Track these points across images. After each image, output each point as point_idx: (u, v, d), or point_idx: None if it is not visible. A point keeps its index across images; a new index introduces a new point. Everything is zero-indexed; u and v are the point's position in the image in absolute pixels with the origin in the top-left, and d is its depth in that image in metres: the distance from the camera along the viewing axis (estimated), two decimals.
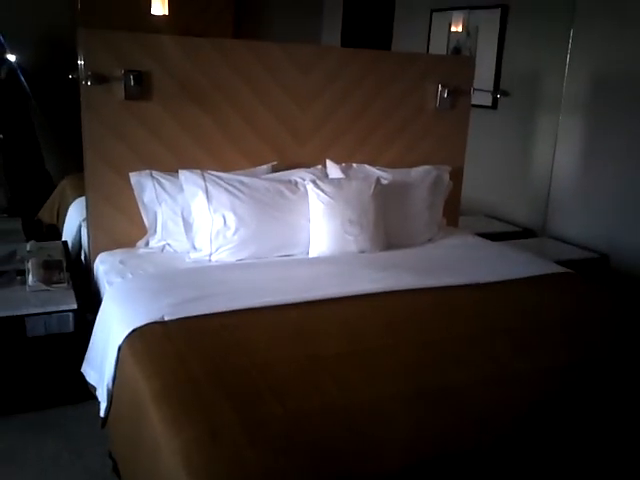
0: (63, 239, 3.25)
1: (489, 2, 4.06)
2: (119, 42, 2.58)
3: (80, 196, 3.07)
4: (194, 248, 2.62)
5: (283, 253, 2.68)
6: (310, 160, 3.01)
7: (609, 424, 1.62)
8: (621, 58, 3.37)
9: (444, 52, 4.44)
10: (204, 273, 2.42)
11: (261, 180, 2.71)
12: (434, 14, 4.57)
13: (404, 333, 2.01)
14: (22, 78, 3.85)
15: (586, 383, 1.78)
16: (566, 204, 3.78)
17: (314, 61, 2.95)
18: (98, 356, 2.16)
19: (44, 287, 2.50)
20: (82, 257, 3.04)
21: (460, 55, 4.33)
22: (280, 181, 2.75)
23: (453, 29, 4.38)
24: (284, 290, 2.23)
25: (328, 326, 2.03)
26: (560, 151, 3.80)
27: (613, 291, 2.77)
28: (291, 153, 2.99)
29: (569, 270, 2.72)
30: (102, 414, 2.05)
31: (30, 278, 2.53)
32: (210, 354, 1.79)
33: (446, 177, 3.17)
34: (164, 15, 3.99)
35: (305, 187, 2.72)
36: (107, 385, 1.99)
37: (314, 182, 2.71)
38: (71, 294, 2.49)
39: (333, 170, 2.97)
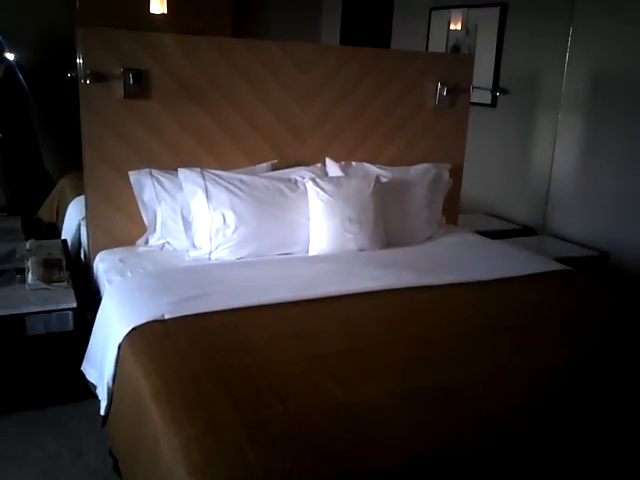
0: (62, 237, 3.26)
1: (488, 0, 4.06)
2: (118, 40, 2.57)
3: (79, 195, 3.07)
4: (194, 246, 2.62)
5: (283, 251, 2.68)
6: (310, 158, 3.01)
7: (610, 422, 1.62)
8: (620, 56, 3.37)
9: (443, 50, 4.44)
10: (204, 271, 2.42)
11: (261, 178, 2.71)
12: (433, 12, 4.57)
13: (404, 331, 2.01)
14: (21, 77, 3.85)
15: (587, 381, 1.77)
16: (566, 202, 3.78)
17: (313, 59, 2.94)
18: (98, 354, 2.16)
19: (44, 286, 2.50)
20: (82, 255, 3.04)
21: (459, 53, 4.32)
22: (280, 179, 2.75)
23: (452, 27, 4.38)
24: (284, 288, 2.23)
25: (328, 324, 2.03)
26: (559, 149, 3.80)
27: (613, 288, 2.77)
28: (291, 151, 2.99)
29: (569, 268, 2.72)
30: (102, 412, 2.05)
31: (30, 277, 2.53)
32: (210, 352, 1.78)
33: (445, 175, 3.17)
34: (163, 14, 3.98)
35: (305, 185, 2.72)
36: (107, 383, 2.00)
37: (314, 180, 2.71)
38: (71, 292, 2.49)
39: (333, 168, 2.96)
